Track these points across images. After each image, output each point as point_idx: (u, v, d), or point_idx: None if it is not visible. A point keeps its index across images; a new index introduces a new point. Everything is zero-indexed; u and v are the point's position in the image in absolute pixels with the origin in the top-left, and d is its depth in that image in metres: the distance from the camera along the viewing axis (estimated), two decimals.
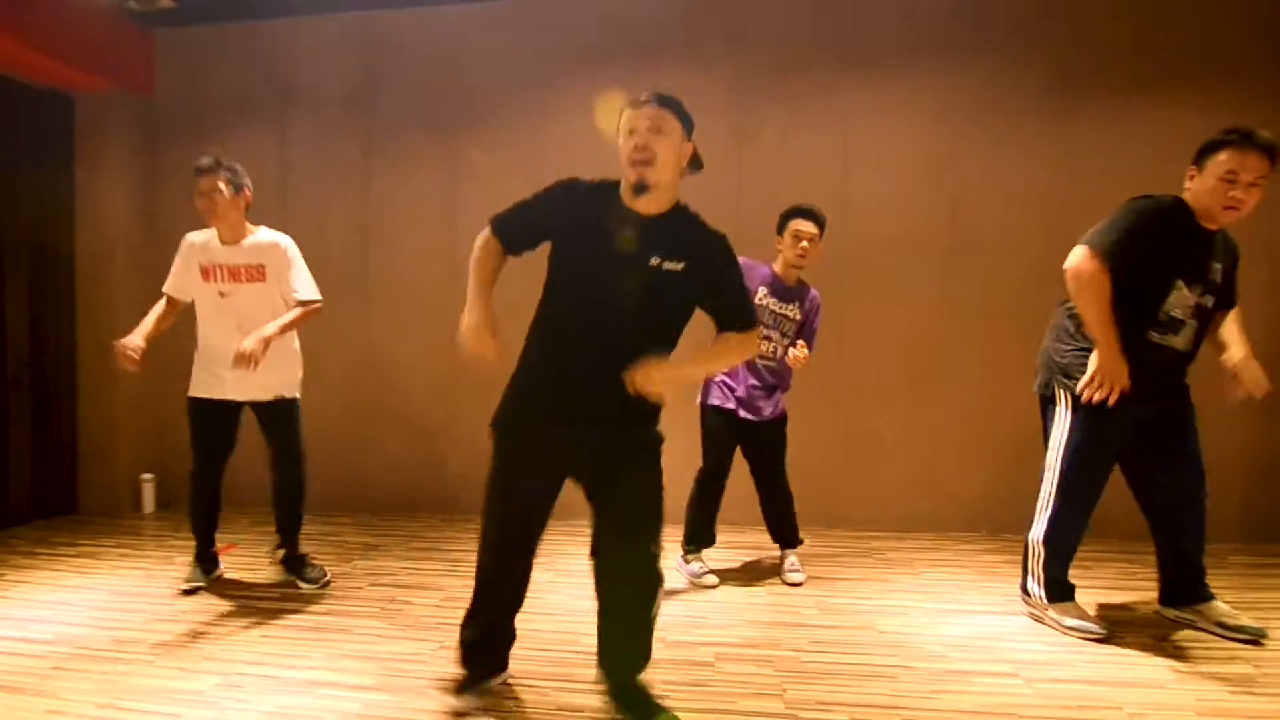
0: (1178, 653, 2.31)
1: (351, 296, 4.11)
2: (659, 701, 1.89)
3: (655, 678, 2.12)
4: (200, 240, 2.79)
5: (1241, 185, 2.21)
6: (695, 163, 1.81)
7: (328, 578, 2.93)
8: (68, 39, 3.70)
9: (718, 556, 3.14)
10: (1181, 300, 2.32)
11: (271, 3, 3.97)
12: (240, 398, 2.77)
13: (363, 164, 4.12)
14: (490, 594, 1.99)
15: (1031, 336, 3.54)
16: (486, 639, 2.03)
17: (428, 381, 4.10)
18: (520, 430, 1.85)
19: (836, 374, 3.75)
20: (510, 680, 2.11)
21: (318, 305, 2.79)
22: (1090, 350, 2.36)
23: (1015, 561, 3.22)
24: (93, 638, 2.43)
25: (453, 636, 2.40)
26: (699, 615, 2.61)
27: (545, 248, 1.88)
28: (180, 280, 2.81)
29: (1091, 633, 2.40)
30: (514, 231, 1.86)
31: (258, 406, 2.80)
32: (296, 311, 2.73)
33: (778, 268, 2.90)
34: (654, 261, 1.73)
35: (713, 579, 2.92)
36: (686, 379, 1.79)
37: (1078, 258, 2.32)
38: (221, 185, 2.66)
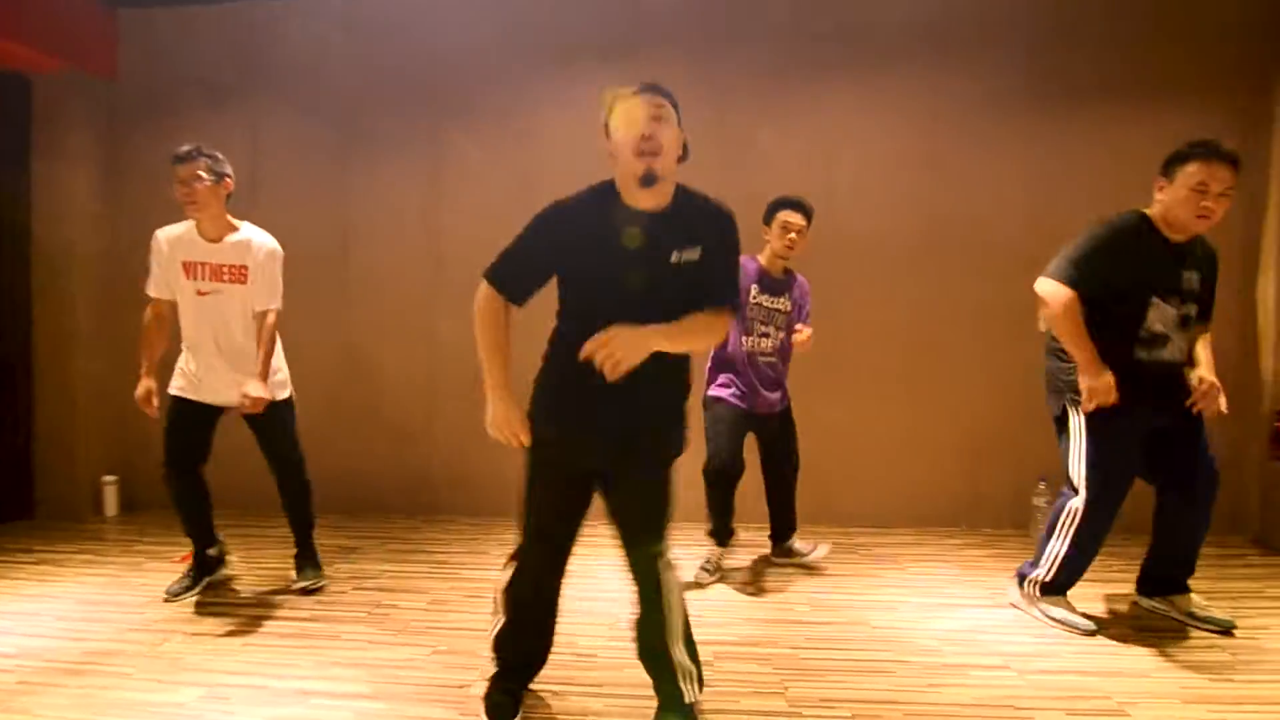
0: (1158, 642, 2.38)
1: (329, 292, 4.00)
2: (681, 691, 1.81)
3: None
4: (176, 235, 2.66)
5: (1212, 195, 2.27)
6: (684, 152, 1.75)
7: (323, 583, 2.87)
8: (24, 17, 3.51)
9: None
10: (1161, 315, 2.37)
11: None
12: (220, 403, 2.67)
13: (340, 155, 4.01)
14: (529, 611, 1.90)
15: (1008, 334, 3.66)
16: (530, 657, 1.96)
17: (408, 380, 4.01)
18: (556, 445, 1.76)
19: (818, 370, 3.77)
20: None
21: (276, 318, 2.67)
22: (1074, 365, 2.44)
23: (995, 555, 3.33)
24: (62, 650, 2.31)
25: (445, 640, 2.38)
26: (695, 614, 2.56)
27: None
28: (161, 279, 2.67)
29: (1077, 627, 2.46)
30: (516, 281, 1.73)
31: (246, 415, 2.69)
32: (268, 335, 2.61)
33: (764, 260, 2.91)
34: (675, 259, 1.68)
35: (705, 576, 2.92)
36: (647, 349, 1.62)
37: (1046, 288, 2.40)
38: (202, 173, 2.54)
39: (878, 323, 3.79)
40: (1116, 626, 2.50)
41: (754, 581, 2.96)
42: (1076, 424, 2.47)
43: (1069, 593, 2.57)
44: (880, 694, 2.06)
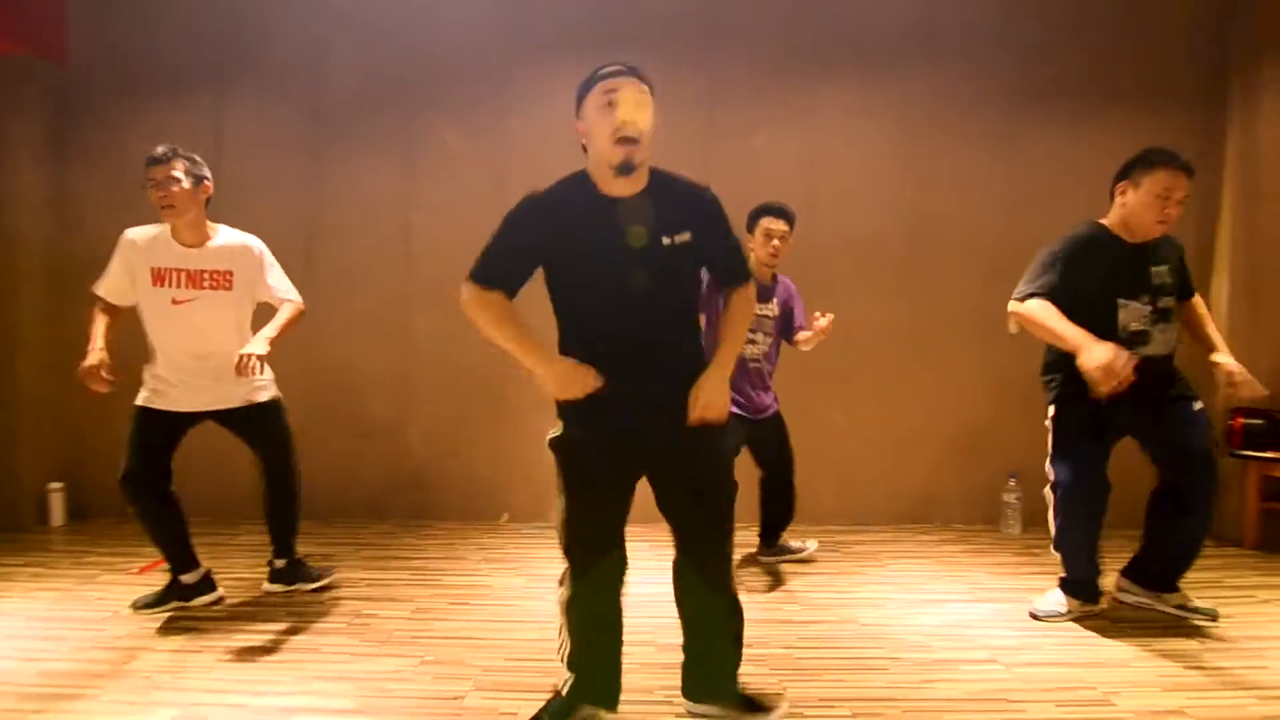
0: (1133, 633, 2.46)
1: (297, 288, 3.84)
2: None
3: (656, 684, 2.09)
4: (148, 238, 2.50)
5: (1173, 202, 2.37)
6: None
7: (331, 576, 2.82)
8: None
9: None
10: (1133, 314, 2.44)
11: None
12: (190, 409, 2.53)
13: (308, 148, 3.86)
14: (591, 624, 1.78)
15: (983, 334, 3.75)
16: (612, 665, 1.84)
17: (379, 380, 3.89)
18: (588, 445, 1.70)
19: (798, 370, 3.80)
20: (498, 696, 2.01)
21: (303, 307, 2.64)
22: (1066, 368, 2.46)
23: (970, 550, 3.41)
24: (16, 671, 2.15)
25: (433, 650, 2.31)
26: None
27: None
28: (117, 283, 2.50)
29: (1057, 613, 2.55)
30: (503, 276, 1.68)
31: (224, 417, 2.57)
32: (290, 310, 2.56)
33: (750, 266, 2.90)
34: (665, 241, 1.64)
35: None
36: (726, 381, 1.70)
37: (1020, 308, 2.44)
38: (179, 174, 2.40)
39: (853, 325, 3.82)
40: (1093, 618, 2.57)
41: (741, 582, 2.94)
42: (1051, 420, 2.58)
43: (1043, 583, 2.66)
44: (877, 691, 2.08)
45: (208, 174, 2.51)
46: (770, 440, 3.00)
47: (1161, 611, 2.58)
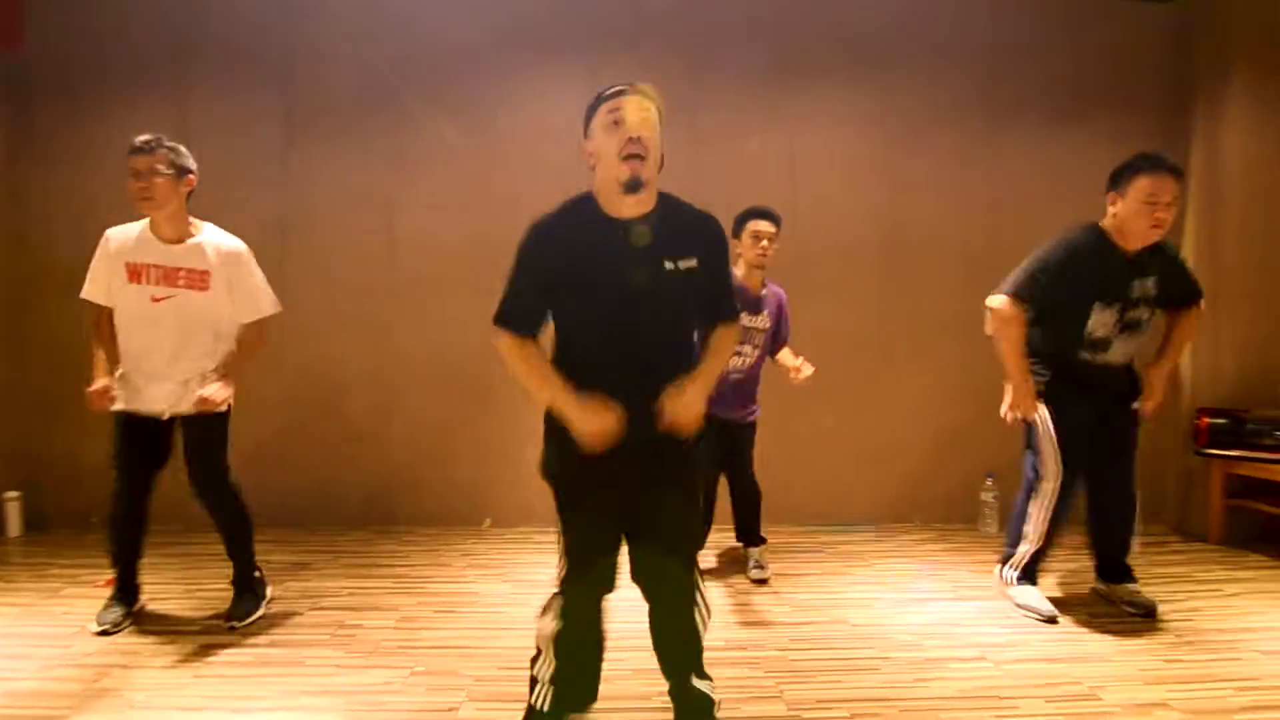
0: (1112, 627, 2.53)
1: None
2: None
3: (653, 689, 2.07)
4: (126, 235, 2.41)
5: (1162, 206, 2.43)
6: (660, 160, 1.70)
7: (258, 614, 2.59)
8: None
9: None
10: (1103, 321, 2.51)
11: None
12: (167, 411, 2.43)
13: (281, 142, 3.75)
14: (578, 650, 1.80)
15: (959, 336, 3.81)
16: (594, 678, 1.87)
17: (359, 383, 3.80)
18: (580, 476, 1.68)
19: (778, 374, 3.83)
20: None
21: (263, 332, 2.54)
22: (1035, 358, 2.60)
23: (951, 549, 3.46)
24: None
25: (422, 661, 2.26)
26: None
27: None
28: (103, 282, 2.41)
29: (1039, 614, 2.59)
30: (530, 314, 1.67)
31: (188, 420, 2.46)
32: (246, 349, 2.48)
33: (740, 272, 2.90)
34: (668, 266, 1.63)
35: None
36: (701, 400, 1.67)
37: (999, 303, 2.54)
38: (161, 166, 2.30)
39: (832, 329, 3.87)
40: (1073, 614, 2.64)
41: (729, 584, 2.96)
42: (1041, 416, 2.62)
43: (1039, 580, 2.71)
44: (872, 691, 2.09)
45: (192, 166, 2.41)
46: (733, 445, 2.96)
47: (1116, 605, 2.68)
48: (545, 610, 1.76)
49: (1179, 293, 2.60)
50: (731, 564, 3.17)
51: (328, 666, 2.22)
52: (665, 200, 1.69)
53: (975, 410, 3.78)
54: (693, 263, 1.65)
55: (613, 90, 1.62)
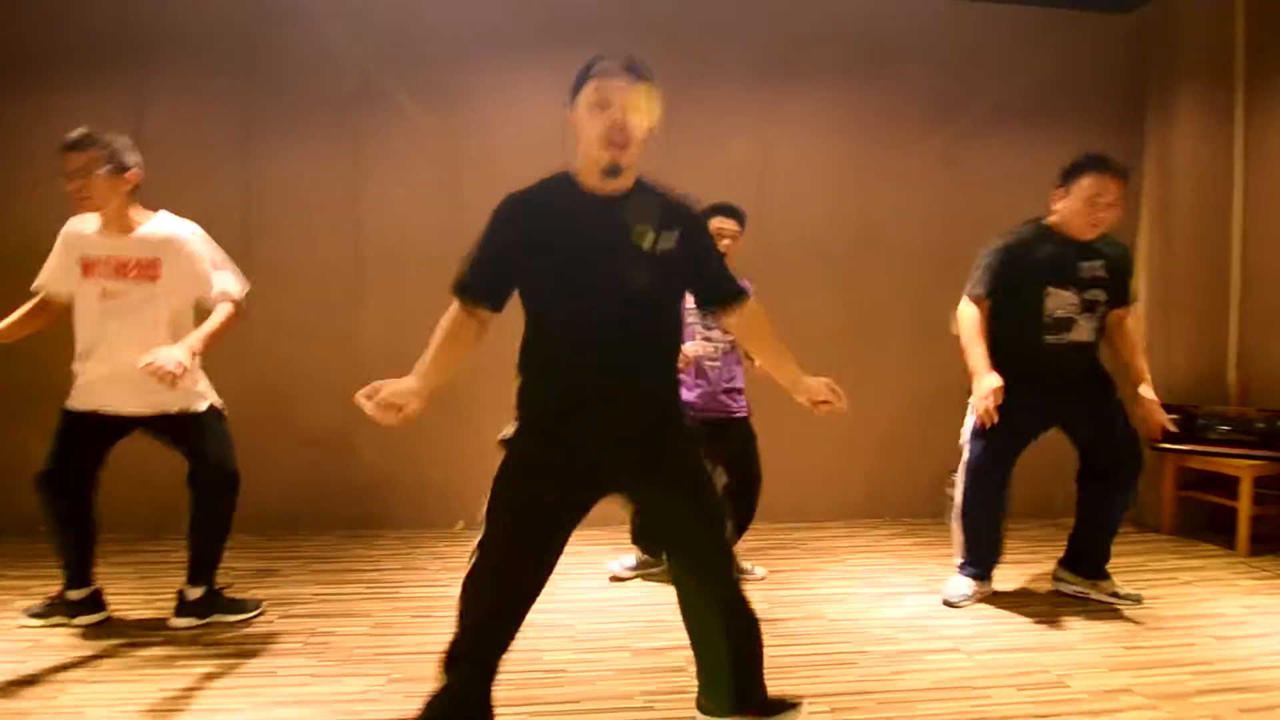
0: (1075, 617, 2.62)
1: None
2: None
3: (635, 689, 2.07)
4: (79, 227, 2.32)
5: (1103, 206, 2.55)
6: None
7: (261, 609, 2.57)
8: None
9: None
10: (1060, 301, 2.61)
11: None
12: (123, 411, 2.33)
13: (242, 138, 3.63)
14: (487, 635, 1.63)
15: (925, 333, 3.90)
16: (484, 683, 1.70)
17: (325, 384, 3.68)
18: (541, 461, 1.60)
19: (751, 370, 3.87)
20: None
21: (239, 308, 2.43)
22: (997, 358, 2.64)
23: (921, 544, 3.54)
24: None
25: (399, 668, 2.22)
26: (656, 619, 2.56)
27: None
28: (53, 271, 2.33)
29: (952, 596, 2.71)
30: (488, 284, 1.59)
31: (155, 425, 2.37)
32: (224, 312, 2.35)
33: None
34: (646, 244, 1.58)
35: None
36: (797, 372, 1.81)
37: (963, 307, 2.68)
38: (96, 165, 2.19)
39: (801, 327, 3.89)
40: (1038, 605, 2.73)
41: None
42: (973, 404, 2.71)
43: (992, 574, 2.80)
44: (851, 685, 2.12)
45: (134, 160, 2.29)
46: (733, 446, 2.94)
47: (1095, 599, 2.75)
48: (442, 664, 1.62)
49: (1119, 286, 2.70)
50: None
51: (301, 676, 2.16)
52: (643, 182, 1.65)
53: (940, 405, 3.87)
54: (672, 240, 1.61)
55: (602, 66, 1.55)
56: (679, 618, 2.50)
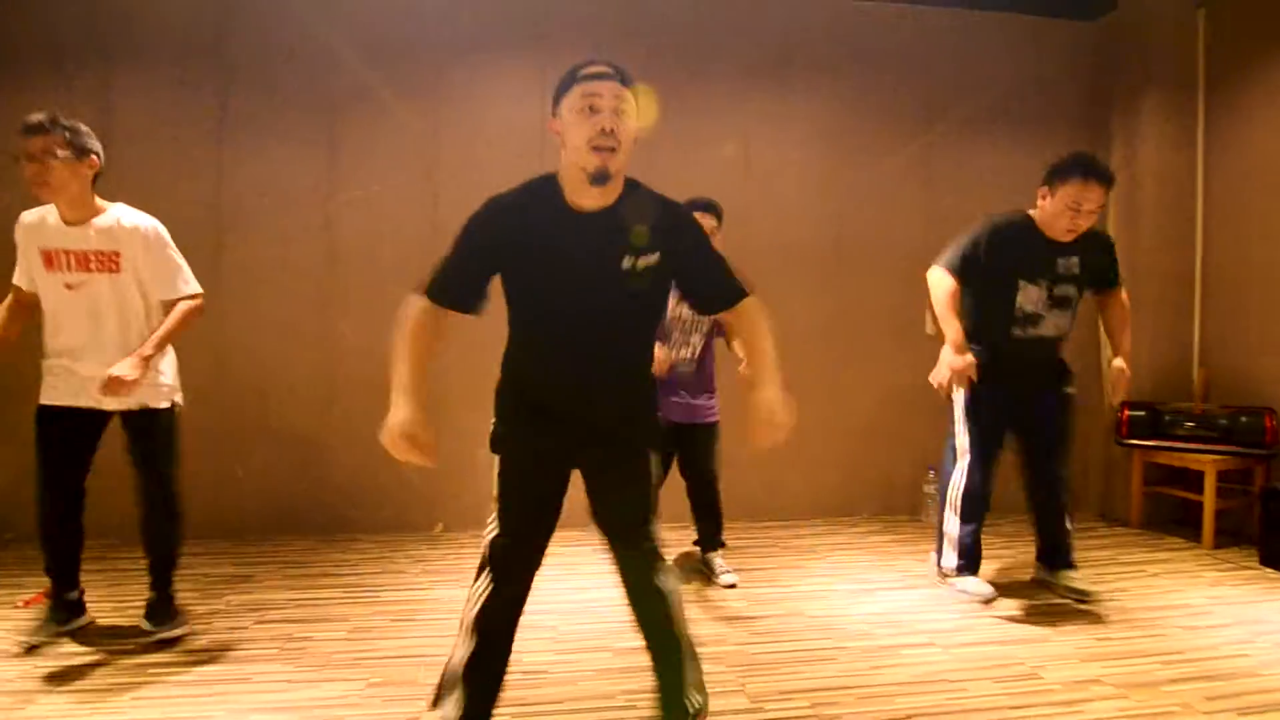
0: (1048, 610, 2.67)
1: (200, 282, 3.53)
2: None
3: (616, 689, 2.08)
4: (35, 220, 2.26)
5: (1084, 214, 2.60)
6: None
7: (186, 627, 2.43)
8: None
9: None
10: (1031, 297, 2.67)
11: None
12: (93, 405, 2.27)
13: (214, 136, 3.57)
14: (501, 633, 1.72)
15: (902, 333, 3.97)
16: (498, 681, 1.77)
17: (300, 387, 3.65)
18: (523, 445, 1.65)
19: (731, 371, 3.88)
20: None
21: (198, 303, 2.36)
22: (969, 338, 2.72)
23: (898, 540, 3.59)
24: None
25: (379, 672, 2.20)
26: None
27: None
28: (24, 269, 2.30)
29: (979, 597, 2.72)
30: (459, 288, 1.58)
31: (123, 418, 2.32)
32: (176, 315, 2.29)
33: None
34: (626, 264, 1.56)
35: None
36: (779, 388, 1.69)
37: (932, 275, 2.73)
38: (58, 148, 2.14)
39: (780, 328, 3.89)
40: (1012, 599, 2.77)
41: (686, 582, 2.98)
42: (957, 398, 2.78)
43: (979, 564, 2.83)
44: (831, 681, 2.15)
45: (95, 146, 2.24)
46: (695, 450, 2.93)
47: (1055, 590, 2.83)
48: (473, 587, 1.71)
49: (1100, 274, 2.77)
50: (689, 564, 3.19)
51: (278, 682, 2.13)
52: (632, 190, 1.61)
53: (916, 404, 3.93)
54: (653, 259, 1.59)
55: (588, 71, 1.53)
56: None
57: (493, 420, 1.70)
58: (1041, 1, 3.98)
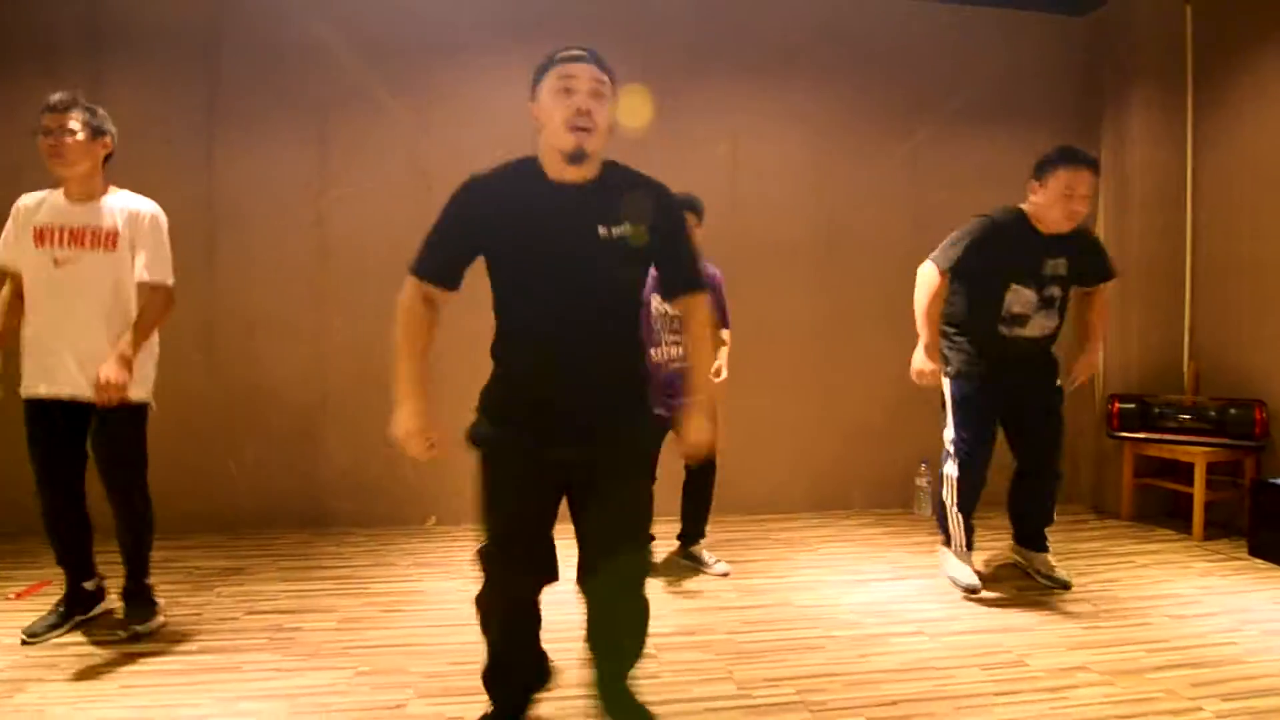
0: (1037, 599, 2.69)
1: (190, 284, 3.54)
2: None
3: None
4: (37, 200, 2.29)
5: (1078, 197, 2.61)
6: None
7: (158, 622, 2.41)
8: None
9: None
10: (1020, 299, 2.69)
11: None
12: (81, 395, 2.25)
13: (205, 131, 3.57)
14: (515, 638, 1.74)
15: (892, 328, 3.95)
16: (525, 690, 1.81)
17: (293, 382, 3.66)
18: (509, 446, 1.62)
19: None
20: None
21: (170, 296, 2.35)
22: (953, 342, 2.76)
23: (889, 532, 3.60)
24: None
25: (367, 661, 2.21)
26: None
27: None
28: (12, 248, 2.29)
29: (959, 583, 2.74)
30: (443, 266, 1.61)
31: (95, 405, 2.26)
32: (153, 310, 2.29)
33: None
34: (603, 232, 1.57)
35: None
36: (708, 402, 1.74)
37: (922, 269, 2.74)
38: (75, 125, 2.19)
39: (772, 322, 3.96)
40: (1000, 589, 2.79)
41: (678, 574, 2.99)
42: (948, 393, 2.79)
43: (972, 553, 2.84)
44: (817, 668, 2.16)
45: (110, 129, 2.30)
46: None
47: (1031, 574, 2.86)
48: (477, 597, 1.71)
49: (1092, 270, 2.78)
50: (674, 557, 3.20)
51: (266, 670, 2.13)
52: (611, 168, 1.64)
53: (908, 399, 3.93)
54: (627, 229, 1.60)
55: (564, 54, 1.56)
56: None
57: (476, 413, 1.68)
58: None
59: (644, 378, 1.75)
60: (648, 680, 2.04)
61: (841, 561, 3.15)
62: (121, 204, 2.31)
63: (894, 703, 1.96)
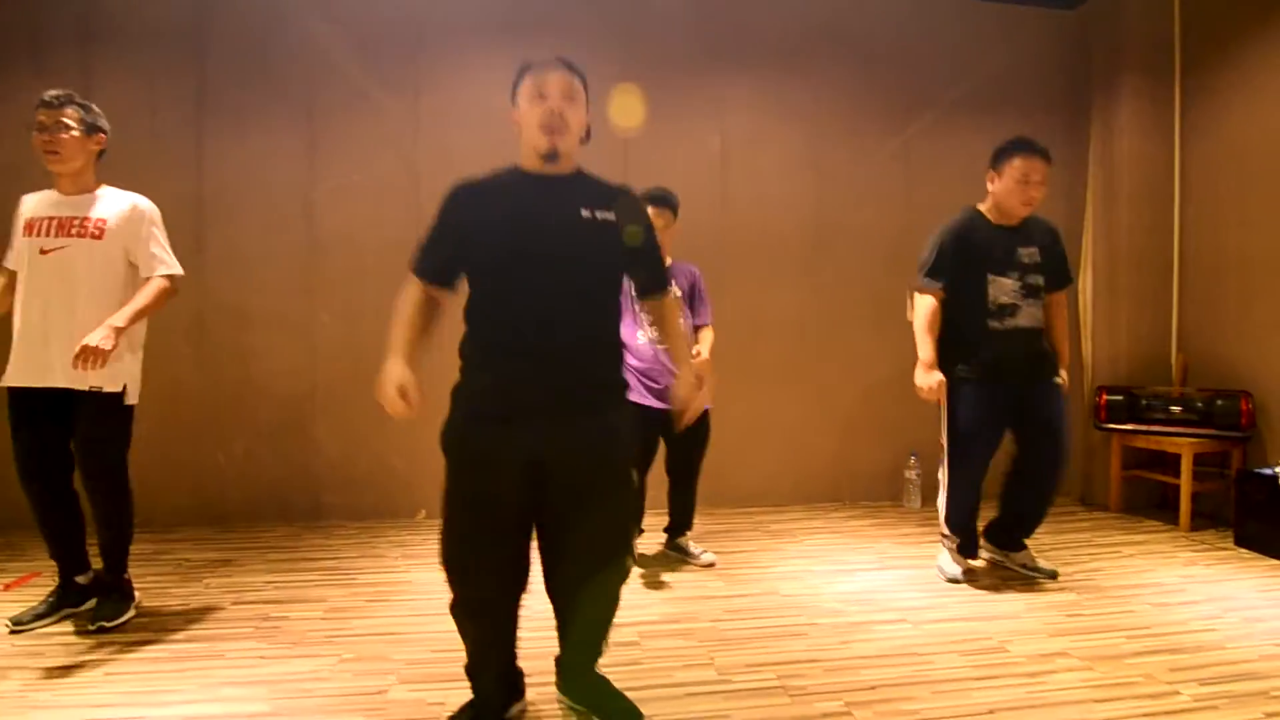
0: (1022, 589, 2.70)
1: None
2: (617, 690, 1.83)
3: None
4: (34, 199, 2.35)
5: (1033, 184, 2.65)
6: (586, 134, 1.74)
7: (127, 615, 2.40)
8: None
9: None
10: (1002, 288, 2.69)
11: None
12: (66, 384, 2.25)
13: (194, 125, 3.59)
14: (483, 638, 1.77)
15: (881, 321, 3.99)
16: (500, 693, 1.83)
17: (282, 376, 3.67)
18: (479, 441, 1.64)
19: (714, 359, 3.90)
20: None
21: (172, 284, 2.36)
22: (950, 346, 2.73)
23: (877, 524, 3.61)
24: None
25: (351, 649, 2.22)
26: None
27: None
28: (12, 249, 2.35)
29: (944, 574, 2.77)
30: (438, 267, 1.69)
31: (75, 397, 2.27)
32: (150, 292, 2.29)
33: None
34: (585, 214, 1.64)
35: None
36: (691, 369, 1.82)
37: (918, 296, 2.77)
38: (70, 121, 2.22)
39: (761, 315, 3.98)
40: (987, 578, 2.80)
41: (666, 563, 3.00)
42: (943, 406, 2.77)
43: (971, 560, 2.88)
44: (799, 654, 2.17)
45: (104, 125, 2.34)
46: (682, 436, 2.84)
47: (1011, 568, 2.86)
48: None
49: (1052, 271, 2.77)
50: (662, 544, 3.21)
51: (250, 658, 2.15)
52: (582, 171, 1.74)
53: (899, 393, 3.95)
54: (610, 215, 1.66)
55: (538, 63, 1.68)
56: (634, 596, 2.55)
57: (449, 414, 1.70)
58: None
59: (622, 381, 1.76)
60: (629, 666, 2.07)
61: (829, 552, 3.16)
62: (113, 198, 2.34)
63: (873, 687, 1.97)
